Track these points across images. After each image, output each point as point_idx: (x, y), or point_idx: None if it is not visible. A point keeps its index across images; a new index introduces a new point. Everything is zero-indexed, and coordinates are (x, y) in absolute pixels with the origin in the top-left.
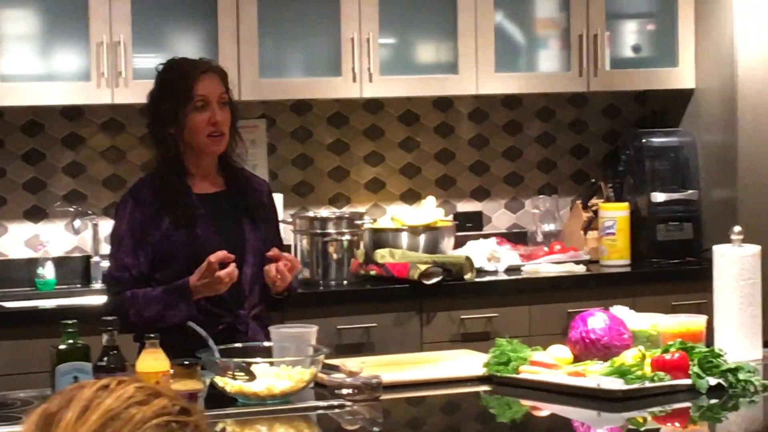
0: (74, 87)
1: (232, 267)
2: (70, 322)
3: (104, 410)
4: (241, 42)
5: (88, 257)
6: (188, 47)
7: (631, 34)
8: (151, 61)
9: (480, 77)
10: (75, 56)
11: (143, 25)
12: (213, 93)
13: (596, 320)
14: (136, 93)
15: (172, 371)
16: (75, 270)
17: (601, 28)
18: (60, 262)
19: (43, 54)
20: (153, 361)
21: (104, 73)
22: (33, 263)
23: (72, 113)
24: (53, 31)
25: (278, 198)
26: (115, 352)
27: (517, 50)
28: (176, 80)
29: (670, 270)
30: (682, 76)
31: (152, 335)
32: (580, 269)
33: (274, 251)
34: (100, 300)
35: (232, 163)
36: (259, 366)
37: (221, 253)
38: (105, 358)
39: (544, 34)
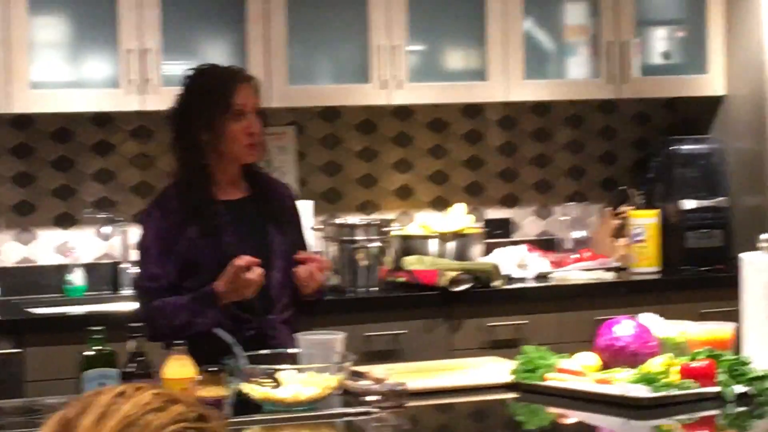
0: (103, 94)
1: (260, 270)
2: (97, 328)
3: (121, 416)
4: (270, 49)
5: (117, 264)
6: (217, 54)
7: (660, 40)
8: (181, 68)
9: (509, 84)
10: (104, 63)
11: (172, 32)
12: (250, 102)
13: (623, 328)
14: (166, 100)
15: (198, 378)
16: (104, 276)
17: (630, 34)
18: (89, 269)
19: (73, 61)
20: (179, 368)
21: (133, 80)
22: (62, 270)
23: (102, 120)
24: (83, 38)
25: (307, 205)
26: (142, 358)
27: (546, 57)
28: (213, 88)
29: (699, 277)
30: (712, 83)
31: (178, 342)
32: (610, 276)
33: (302, 254)
34: (129, 306)
35: (257, 170)
36: (286, 373)
37: (246, 258)
38: (132, 365)
39: (573, 41)
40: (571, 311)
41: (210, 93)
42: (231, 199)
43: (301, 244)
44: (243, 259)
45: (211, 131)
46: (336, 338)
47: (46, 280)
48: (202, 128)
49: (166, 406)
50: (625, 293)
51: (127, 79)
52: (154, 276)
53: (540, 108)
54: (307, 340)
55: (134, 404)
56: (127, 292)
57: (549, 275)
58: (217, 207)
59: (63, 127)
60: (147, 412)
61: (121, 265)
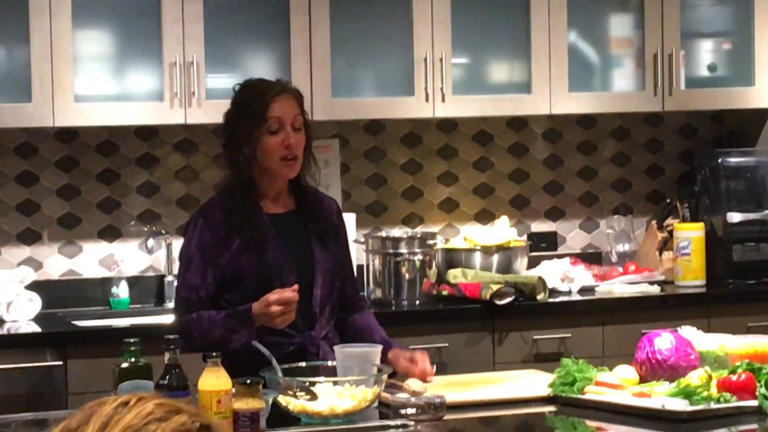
0: (147, 107)
1: (291, 311)
2: (132, 340)
3: (123, 426)
4: (313, 62)
5: (162, 277)
6: (261, 67)
7: (706, 53)
8: (224, 81)
9: (553, 97)
10: (148, 76)
11: (216, 45)
12: (287, 115)
13: (663, 341)
14: (209, 113)
15: (233, 390)
16: (149, 289)
17: (676, 47)
18: (134, 282)
19: (117, 74)
20: (214, 380)
21: (177, 93)
22: (107, 282)
23: (146, 133)
24: (127, 51)
25: (351, 218)
26: (177, 370)
27: (591, 69)
28: (251, 102)
29: (745, 291)
30: (759, 95)
31: (214, 354)
32: (655, 290)
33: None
34: (173, 320)
35: (304, 185)
36: (323, 385)
37: (287, 295)
38: (167, 377)
39: (618, 53)
40: (615, 325)
41: (248, 106)
42: (276, 212)
43: (347, 262)
44: (281, 297)
45: (250, 145)
46: (374, 351)
47: (91, 293)
48: (243, 142)
49: (169, 416)
50: (671, 307)
51: (171, 92)
52: (194, 287)
53: (585, 120)
54: (344, 352)
55: (136, 414)
56: (172, 305)
57: (593, 289)
58: (262, 220)
59: (107, 140)
60: (149, 422)
61: (166, 278)
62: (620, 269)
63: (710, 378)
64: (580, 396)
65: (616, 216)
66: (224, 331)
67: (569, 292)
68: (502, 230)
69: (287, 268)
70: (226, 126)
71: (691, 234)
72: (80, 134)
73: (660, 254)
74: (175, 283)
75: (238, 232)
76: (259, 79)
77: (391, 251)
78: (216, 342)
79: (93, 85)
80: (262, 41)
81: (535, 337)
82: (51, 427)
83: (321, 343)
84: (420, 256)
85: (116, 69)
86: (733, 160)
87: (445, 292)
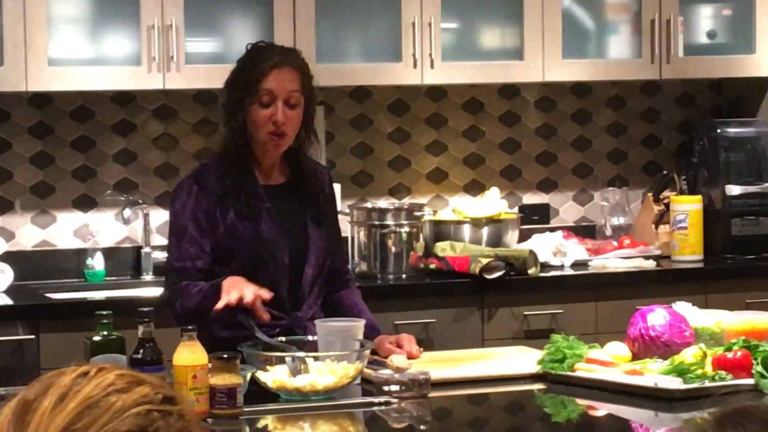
0: (124, 72)
1: (257, 310)
2: (104, 312)
3: (82, 398)
4: (297, 25)
5: (139, 248)
6: (242, 31)
7: (706, 19)
8: (204, 46)
9: (547, 64)
10: (125, 39)
11: (196, 8)
12: (281, 90)
13: (656, 316)
14: (188, 78)
15: (210, 365)
16: (125, 261)
17: (674, 12)
18: (110, 253)
19: (93, 37)
20: (190, 354)
21: (155, 57)
22: (82, 254)
23: (123, 99)
24: (103, 13)
25: (336, 188)
26: (151, 344)
27: (585, 36)
28: (248, 68)
29: (744, 266)
30: (760, 63)
31: (189, 327)
32: (650, 265)
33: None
34: (151, 292)
35: (301, 158)
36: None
37: (264, 295)
38: (140, 351)
39: (614, 19)
40: (609, 301)
41: (244, 72)
42: (270, 184)
43: (337, 234)
44: (256, 290)
45: (243, 113)
46: (356, 325)
47: (65, 264)
48: (236, 109)
49: (130, 388)
50: (667, 282)
51: (150, 56)
52: (189, 256)
53: (579, 89)
54: (326, 327)
55: (96, 385)
56: (149, 277)
57: (587, 263)
58: (257, 190)
59: (83, 106)
60: (109, 394)
61: (143, 250)
62: (615, 243)
63: (705, 355)
64: (570, 373)
65: (611, 188)
66: (200, 299)
67: (561, 267)
68: (493, 202)
69: (281, 244)
70: (225, 86)
71: (688, 207)
72: (54, 99)
73: (656, 228)
74: (157, 254)
75: (232, 198)
76: (267, 45)
77: (377, 223)
78: (193, 312)
79: (68, 49)
80: (244, 4)
81: (525, 312)
82: (9, 398)
83: (308, 325)
84: (407, 229)
85: (92, 32)
86: (732, 130)
87: (432, 266)
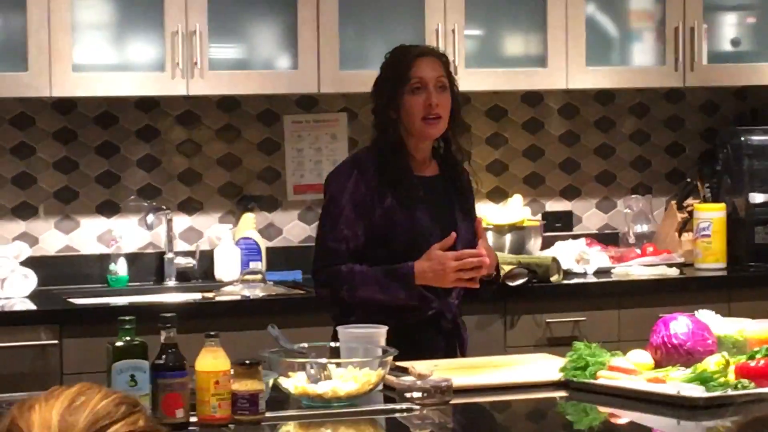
0: (148, 78)
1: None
2: (127, 318)
3: None
4: (321, 32)
5: (162, 254)
6: (266, 37)
7: (730, 26)
8: (228, 52)
9: (570, 71)
10: (149, 45)
11: (220, 14)
12: (430, 76)
13: (679, 324)
14: (212, 84)
15: (232, 371)
16: (148, 267)
17: (698, 20)
18: (133, 259)
19: (117, 43)
20: (212, 360)
21: (179, 63)
22: (105, 259)
23: (146, 105)
24: (127, 19)
25: None
26: (174, 350)
27: (609, 43)
28: (395, 64)
29: (767, 274)
30: None
31: (212, 333)
32: (673, 272)
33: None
34: (174, 298)
35: (453, 151)
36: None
37: (467, 259)
38: (163, 356)
39: (638, 27)
40: (632, 308)
41: (392, 67)
42: (425, 175)
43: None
44: (447, 251)
45: (395, 106)
46: (378, 332)
47: (88, 269)
48: (389, 104)
49: None
50: (690, 290)
51: (173, 62)
52: (344, 238)
53: (603, 96)
54: (348, 333)
55: None
56: (172, 283)
57: (610, 271)
58: (414, 180)
59: (107, 112)
60: None
61: (166, 256)
62: (638, 251)
63: (728, 363)
64: (592, 381)
65: (634, 195)
66: (377, 289)
67: (584, 274)
68: (516, 209)
69: (434, 233)
70: (374, 88)
71: (711, 215)
72: (78, 105)
73: (679, 236)
74: (180, 260)
75: (390, 190)
76: (407, 45)
77: None
78: (365, 299)
79: (92, 54)
80: (268, 10)
81: (548, 320)
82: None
83: (456, 312)
84: None
85: (116, 37)
86: (756, 138)
87: None
